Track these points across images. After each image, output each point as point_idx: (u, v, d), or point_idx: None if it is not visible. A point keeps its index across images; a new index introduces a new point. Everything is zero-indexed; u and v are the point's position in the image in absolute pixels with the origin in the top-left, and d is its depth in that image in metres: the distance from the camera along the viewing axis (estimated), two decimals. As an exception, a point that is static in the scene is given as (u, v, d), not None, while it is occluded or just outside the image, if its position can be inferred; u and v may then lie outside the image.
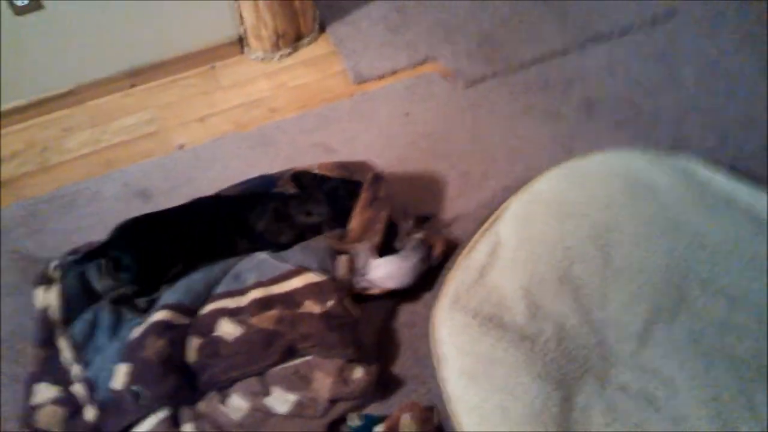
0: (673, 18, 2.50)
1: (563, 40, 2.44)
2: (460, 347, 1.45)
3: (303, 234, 1.81)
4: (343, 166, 1.89)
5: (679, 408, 1.33)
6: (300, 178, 1.86)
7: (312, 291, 1.64)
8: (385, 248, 1.75)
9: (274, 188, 1.86)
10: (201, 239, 1.75)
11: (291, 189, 1.84)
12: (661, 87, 2.24)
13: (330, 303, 1.61)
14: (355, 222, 1.75)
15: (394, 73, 2.43)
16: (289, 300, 1.64)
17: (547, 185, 1.75)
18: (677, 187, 1.68)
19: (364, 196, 1.78)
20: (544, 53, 2.40)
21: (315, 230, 1.81)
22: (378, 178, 1.84)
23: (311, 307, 1.62)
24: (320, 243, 1.75)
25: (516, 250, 1.62)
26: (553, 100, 2.23)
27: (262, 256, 1.75)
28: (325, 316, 1.59)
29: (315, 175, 1.86)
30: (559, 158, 1.99)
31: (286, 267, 1.70)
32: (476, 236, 1.70)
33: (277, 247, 1.78)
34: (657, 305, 1.49)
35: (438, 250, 1.72)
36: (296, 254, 1.73)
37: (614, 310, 1.49)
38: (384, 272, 1.67)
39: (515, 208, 1.73)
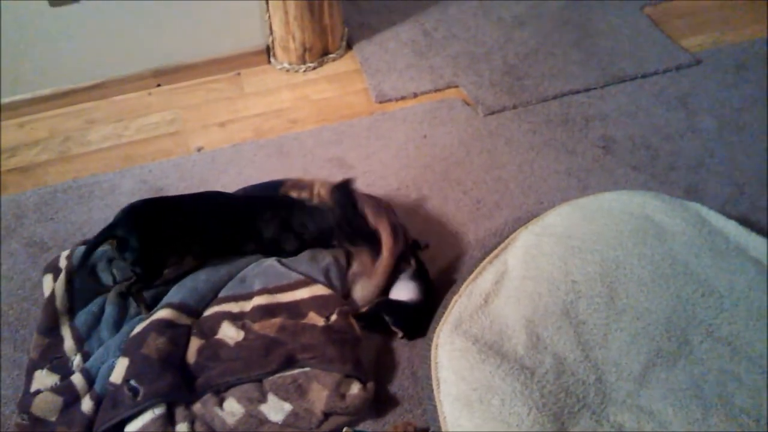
0: (698, 66, 2.52)
1: (587, 78, 2.46)
2: (458, 372, 1.45)
3: (306, 243, 1.81)
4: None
5: (673, 452, 1.33)
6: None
7: (317, 303, 1.65)
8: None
9: (278, 191, 1.90)
10: (208, 233, 1.76)
11: (293, 193, 1.86)
12: (680, 133, 2.25)
13: (334, 317, 1.62)
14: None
15: (415, 95, 2.46)
16: (294, 309, 1.65)
17: (559, 219, 1.76)
18: (688, 231, 1.69)
19: (386, 241, 1.78)
20: (567, 89, 2.42)
21: (318, 241, 1.82)
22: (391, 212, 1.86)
23: (315, 318, 1.63)
24: (327, 256, 1.78)
25: (522, 281, 1.62)
26: (571, 137, 2.25)
27: (269, 262, 1.76)
28: (328, 329, 1.59)
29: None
30: (572, 194, 2.01)
31: (294, 276, 1.71)
32: (483, 263, 1.70)
33: (283, 253, 1.80)
34: (658, 348, 1.49)
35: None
36: (303, 264, 1.75)
37: (615, 349, 1.49)
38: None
39: (525, 239, 1.73)
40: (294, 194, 1.90)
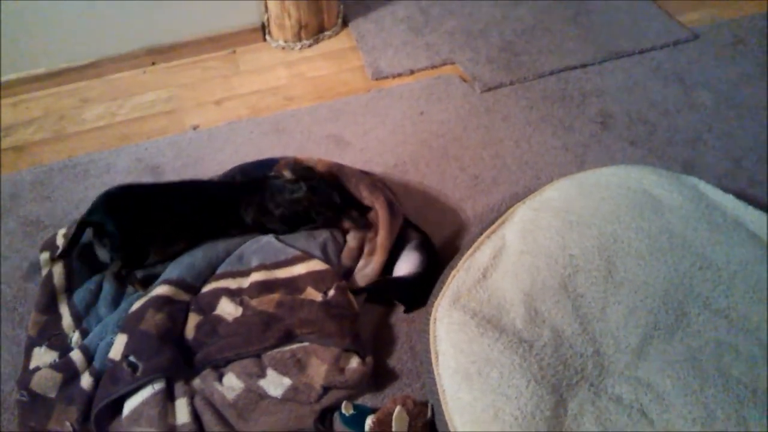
0: (695, 41, 2.51)
1: (584, 54, 2.45)
2: (456, 345, 1.45)
3: (287, 218, 1.80)
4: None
5: (671, 423, 1.33)
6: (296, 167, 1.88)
7: (314, 278, 1.65)
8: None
9: (271, 172, 1.90)
10: (189, 220, 1.76)
11: (288, 174, 1.86)
12: (678, 108, 2.25)
13: (331, 292, 1.62)
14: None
15: (412, 72, 2.45)
16: (291, 285, 1.65)
17: (557, 193, 1.76)
18: (686, 205, 1.69)
19: (384, 216, 1.79)
20: (564, 65, 2.41)
21: (297, 216, 1.80)
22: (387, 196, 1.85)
23: (312, 294, 1.63)
24: (324, 232, 1.78)
25: (520, 255, 1.62)
26: (568, 112, 2.24)
27: (267, 238, 1.76)
28: (326, 304, 1.60)
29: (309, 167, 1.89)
30: (570, 170, 2.01)
31: (290, 252, 1.71)
32: (481, 238, 1.70)
33: (270, 233, 1.80)
34: (656, 320, 1.49)
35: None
36: (300, 240, 1.75)
37: (613, 322, 1.49)
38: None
39: (522, 213, 1.73)
40: (287, 173, 1.89)
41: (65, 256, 1.73)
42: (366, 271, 1.73)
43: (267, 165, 1.94)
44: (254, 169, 1.94)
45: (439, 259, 1.75)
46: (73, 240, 1.70)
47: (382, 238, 1.75)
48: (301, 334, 1.55)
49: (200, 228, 1.77)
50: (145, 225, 1.70)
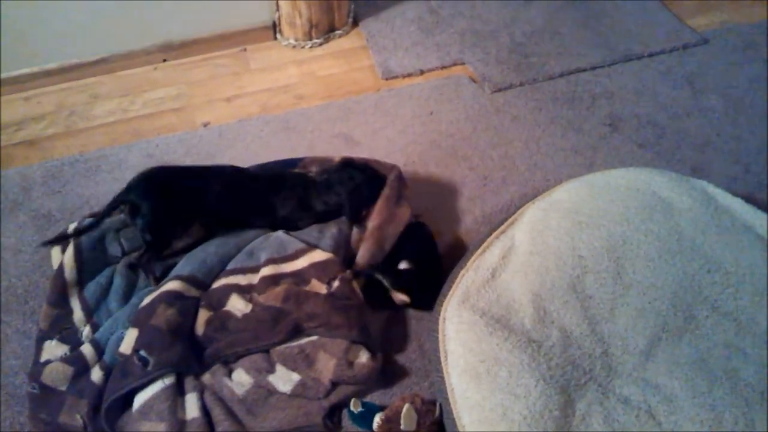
0: (705, 45, 2.51)
1: (594, 57, 2.46)
2: (465, 344, 1.46)
3: (320, 221, 1.82)
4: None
5: (679, 425, 1.34)
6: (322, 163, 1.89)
7: (317, 269, 1.67)
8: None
9: (295, 168, 1.91)
10: (221, 204, 1.77)
11: (313, 169, 1.86)
12: (687, 112, 2.25)
13: (336, 283, 1.63)
14: (376, 218, 1.77)
15: (422, 72, 2.46)
16: (297, 277, 1.67)
17: (566, 195, 1.76)
18: (695, 208, 1.69)
19: (387, 192, 1.80)
20: (574, 67, 2.42)
21: (333, 216, 1.82)
22: (401, 177, 1.86)
23: (317, 286, 1.64)
24: (332, 226, 1.79)
25: (529, 255, 1.63)
26: (578, 114, 2.25)
27: (276, 233, 1.77)
28: (331, 296, 1.60)
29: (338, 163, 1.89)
30: (579, 171, 2.01)
31: (296, 246, 1.72)
32: (490, 238, 1.71)
33: (295, 230, 1.80)
34: (664, 322, 1.50)
35: None
36: (313, 233, 1.77)
37: (622, 323, 1.50)
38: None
39: (532, 214, 1.73)
40: (313, 168, 1.90)
41: (92, 228, 1.75)
42: (359, 254, 1.75)
43: (290, 165, 1.94)
44: (280, 166, 1.95)
45: (437, 256, 1.77)
46: (103, 215, 1.72)
47: (373, 227, 1.76)
48: (308, 328, 1.56)
49: (228, 213, 1.79)
50: (177, 207, 1.71)
